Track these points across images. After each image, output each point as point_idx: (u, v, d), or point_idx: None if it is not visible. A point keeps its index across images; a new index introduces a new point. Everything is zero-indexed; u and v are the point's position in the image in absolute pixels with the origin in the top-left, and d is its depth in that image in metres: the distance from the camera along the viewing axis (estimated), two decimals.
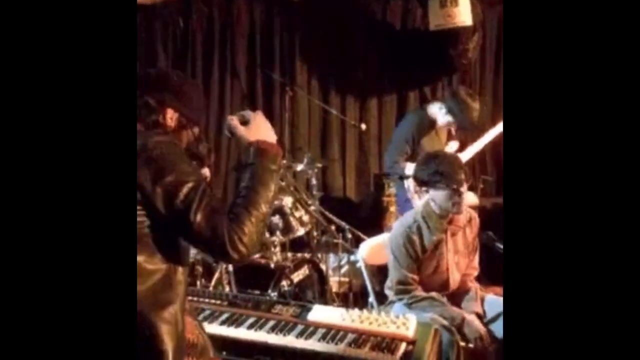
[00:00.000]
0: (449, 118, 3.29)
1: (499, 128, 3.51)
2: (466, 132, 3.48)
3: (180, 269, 1.32)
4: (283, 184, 2.94)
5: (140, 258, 1.23)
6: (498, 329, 2.34)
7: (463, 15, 3.99)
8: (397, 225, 2.44)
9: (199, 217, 1.19)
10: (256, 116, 1.40)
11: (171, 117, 1.39)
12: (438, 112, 3.34)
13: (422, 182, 2.33)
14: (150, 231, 1.24)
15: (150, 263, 1.25)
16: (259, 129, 1.38)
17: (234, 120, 1.39)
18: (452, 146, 3.50)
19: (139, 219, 1.21)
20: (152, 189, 1.20)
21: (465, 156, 3.50)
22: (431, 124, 3.40)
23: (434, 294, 2.33)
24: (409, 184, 3.36)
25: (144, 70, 1.42)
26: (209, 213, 1.20)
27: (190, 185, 1.21)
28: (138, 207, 1.21)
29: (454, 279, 2.45)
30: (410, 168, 3.20)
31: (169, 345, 1.24)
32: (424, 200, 2.42)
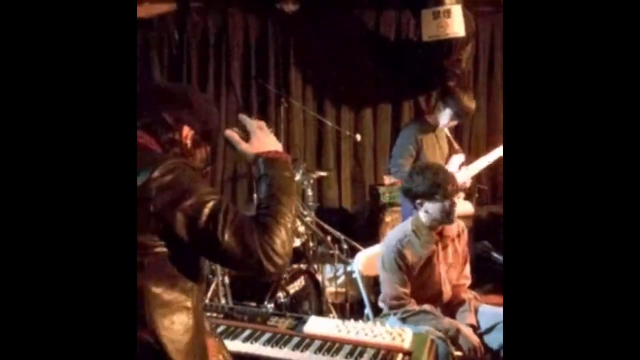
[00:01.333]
0: (448, 111, 3.41)
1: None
2: (461, 118, 3.56)
3: (197, 295, 1.27)
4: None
5: (158, 290, 1.19)
6: (492, 340, 2.34)
7: (456, 26, 4.02)
8: (388, 239, 2.44)
9: (227, 236, 1.15)
10: (256, 126, 1.36)
11: (187, 135, 1.33)
12: (438, 111, 3.48)
13: (417, 195, 2.34)
14: (170, 261, 1.19)
15: (168, 294, 1.20)
16: (262, 139, 1.34)
17: (234, 136, 1.34)
18: (457, 159, 3.52)
19: (157, 249, 1.17)
20: (171, 215, 1.15)
21: (471, 172, 3.53)
22: (432, 130, 3.53)
23: (426, 306, 2.33)
24: (408, 200, 3.39)
25: (159, 83, 1.37)
26: (237, 230, 1.16)
27: (211, 205, 1.17)
28: (155, 238, 1.16)
29: (447, 290, 2.45)
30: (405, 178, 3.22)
31: None
32: (414, 215, 2.42)
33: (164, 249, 1.18)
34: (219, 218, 1.16)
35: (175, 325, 1.21)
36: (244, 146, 1.34)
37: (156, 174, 1.15)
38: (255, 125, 1.36)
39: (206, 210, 1.16)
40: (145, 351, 1.17)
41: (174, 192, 1.16)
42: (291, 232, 1.23)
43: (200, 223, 1.15)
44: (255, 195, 3.99)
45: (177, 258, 1.21)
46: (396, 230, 2.48)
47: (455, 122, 3.54)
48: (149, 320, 1.18)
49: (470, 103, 3.41)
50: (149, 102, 1.30)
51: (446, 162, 3.50)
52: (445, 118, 3.45)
